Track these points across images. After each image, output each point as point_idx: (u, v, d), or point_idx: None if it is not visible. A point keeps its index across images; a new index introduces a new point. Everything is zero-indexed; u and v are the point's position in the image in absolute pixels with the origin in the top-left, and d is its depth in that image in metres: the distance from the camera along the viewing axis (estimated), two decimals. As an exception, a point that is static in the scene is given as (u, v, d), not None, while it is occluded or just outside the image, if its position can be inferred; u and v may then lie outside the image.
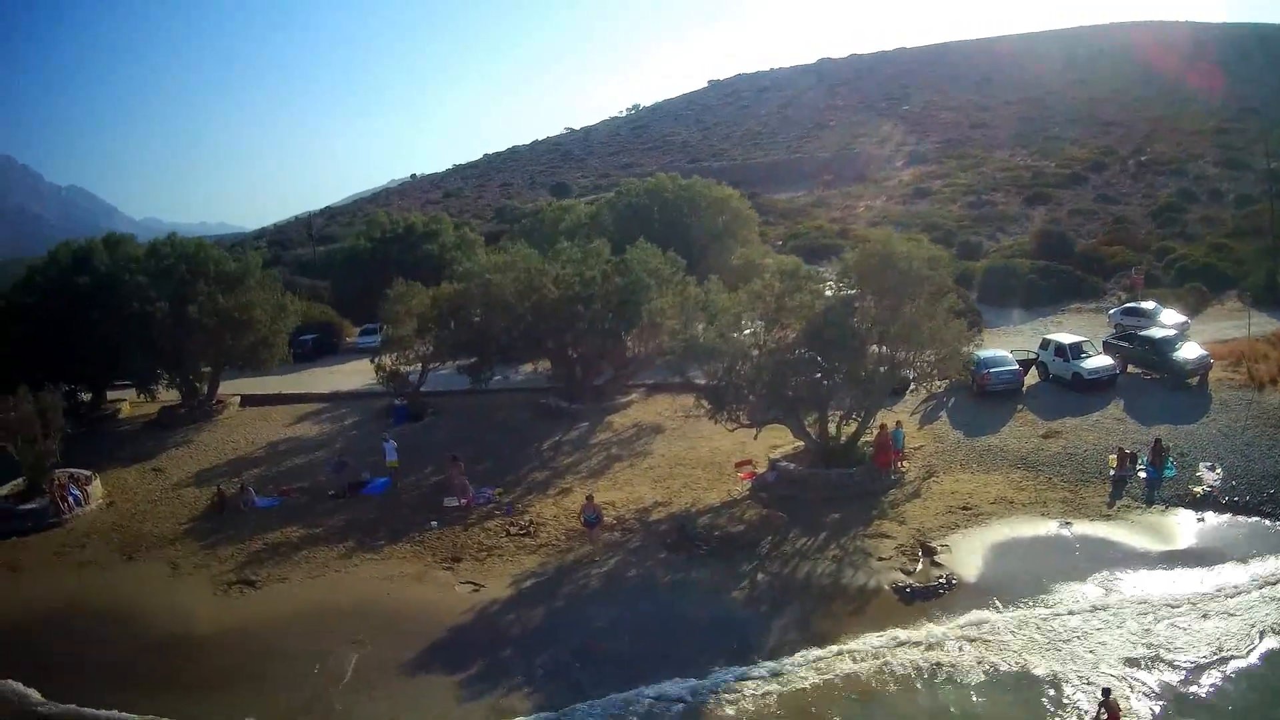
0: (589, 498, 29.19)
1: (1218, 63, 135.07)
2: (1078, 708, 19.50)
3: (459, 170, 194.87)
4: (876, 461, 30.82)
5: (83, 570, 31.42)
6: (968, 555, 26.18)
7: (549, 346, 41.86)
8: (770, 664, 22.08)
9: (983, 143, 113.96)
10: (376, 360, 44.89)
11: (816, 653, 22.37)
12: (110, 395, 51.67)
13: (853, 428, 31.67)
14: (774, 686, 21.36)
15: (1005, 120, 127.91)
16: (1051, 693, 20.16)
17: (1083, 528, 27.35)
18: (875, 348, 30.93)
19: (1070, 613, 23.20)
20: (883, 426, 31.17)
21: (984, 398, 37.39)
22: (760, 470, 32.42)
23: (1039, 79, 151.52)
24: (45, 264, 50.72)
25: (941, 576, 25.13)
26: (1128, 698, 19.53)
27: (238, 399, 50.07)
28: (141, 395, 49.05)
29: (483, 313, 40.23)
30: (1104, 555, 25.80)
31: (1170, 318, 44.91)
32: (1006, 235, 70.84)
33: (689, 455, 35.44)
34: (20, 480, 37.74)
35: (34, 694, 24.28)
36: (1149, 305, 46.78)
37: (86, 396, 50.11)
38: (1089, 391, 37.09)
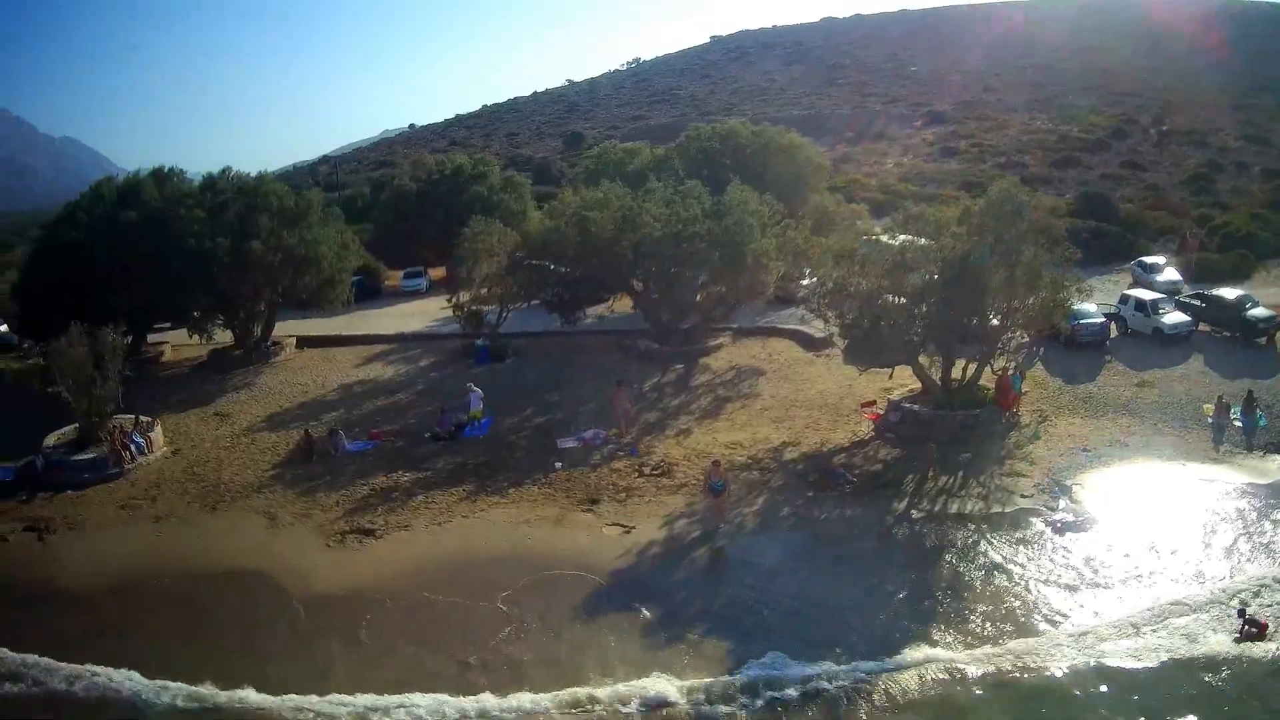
0: (715, 463, 27.24)
1: (1226, 38, 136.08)
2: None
3: (461, 120, 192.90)
4: (998, 403, 31.64)
5: (161, 525, 29.26)
6: (1102, 492, 27.13)
7: (637, 288, 41.97)
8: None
9: (998, 106, 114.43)
10: (453, 299, 44.58)
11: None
12: (149, 339, 49.04)
13: (968, 372, 32.43)
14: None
15: (1016, 86, 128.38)
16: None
17: (1195, 469, 28.44)
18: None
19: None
20: (1003, 370, 31.94)
21: (1072, 348, 38.32)
22: (882, 411, 33.04)
23: (1047, 45, 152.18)
24: (89, 199, 48.37)
25: (1085, 511, 26.05)
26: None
27: (294, 340, 48.83)
28: (194, 336, 46.59)
29: (578, 250, 39.88)
30: (1222, 490, 27.07)
31: (1169, 274, 47.88)
32: (1044, 195, 71.56)
33: (799, 397, 35.81)
34: (72, 428, 35.20)
35: (137, 680, 21.25)
36: (1159, 259, 49.92)
37: (127, 339, 47.34)
38: (1168, 346, 38.27)
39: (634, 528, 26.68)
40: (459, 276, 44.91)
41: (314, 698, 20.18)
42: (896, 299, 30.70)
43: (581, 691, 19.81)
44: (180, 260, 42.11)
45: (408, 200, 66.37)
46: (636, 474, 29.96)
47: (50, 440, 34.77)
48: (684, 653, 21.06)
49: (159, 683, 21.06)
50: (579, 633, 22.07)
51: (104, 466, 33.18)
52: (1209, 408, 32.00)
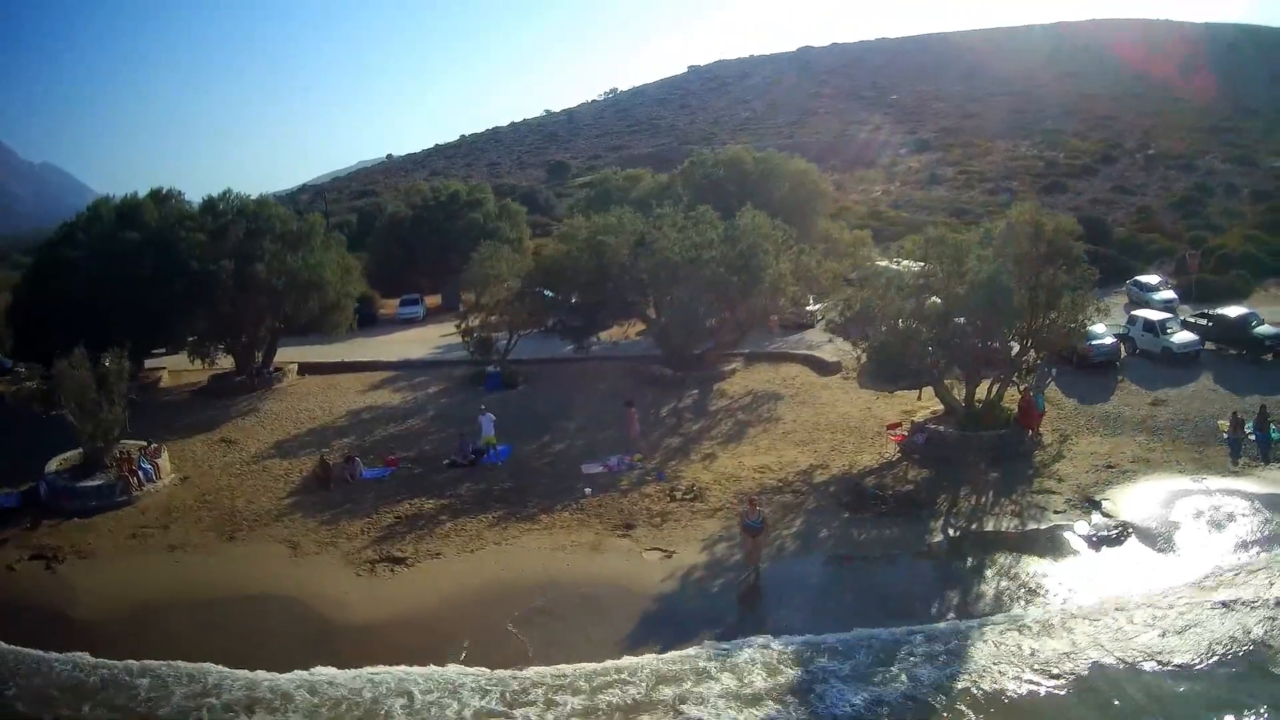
0: (751, 502, 25.86)
1: (1205, 61, 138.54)
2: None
3: (440, 150, 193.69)
4: (1020, 423, 31.78)
5: (177, 555, 28.42)
6: (1130, 507, 27.32)
7: (650, 313, 41.96)
8: (1003, 615, 22.40)
9: (978, 133, 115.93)
10: (462, 325, 44.24)
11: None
12: (146, 364, 48.06)
13: (993, 392, 32.57)
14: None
15: (997, 112, 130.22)
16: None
17: (1216, 482, 28.74)
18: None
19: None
20: (1025, 390, 32.12)
21: (1084, 368, 38.57)
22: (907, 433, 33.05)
23: (1026, 72, 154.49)
24: (86, 219, 47.61)
25: (1116, 526, 26.22)
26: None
27: (295, 367, 48.33)
28: (195, 360, 45.93)
29: (592, 275, 39.79)
30: (1242, 502, 27.35)
31: (1165, 293, 49.31)
32: (1062, 217, 72.26)
33: (821, 420, 35.76)
34: (75, 453, 34.32)
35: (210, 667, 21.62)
36: (1155, 279, 51.28)
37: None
38: (1177, 365, 38.71)
39: (674, 552, 26.37)
40: (467, 302, 44.75)
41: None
42: (921, 322, 30.82)
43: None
44: (182, 282, 41.52)
45: (402, 227, 66.54)
46: (669, 499, 29.63)
47: (53, 465, 33.94)
48: (755, 662, 21.09)
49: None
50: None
51: (111, 494, 32.40)
52: (1224, 424, 32.35)
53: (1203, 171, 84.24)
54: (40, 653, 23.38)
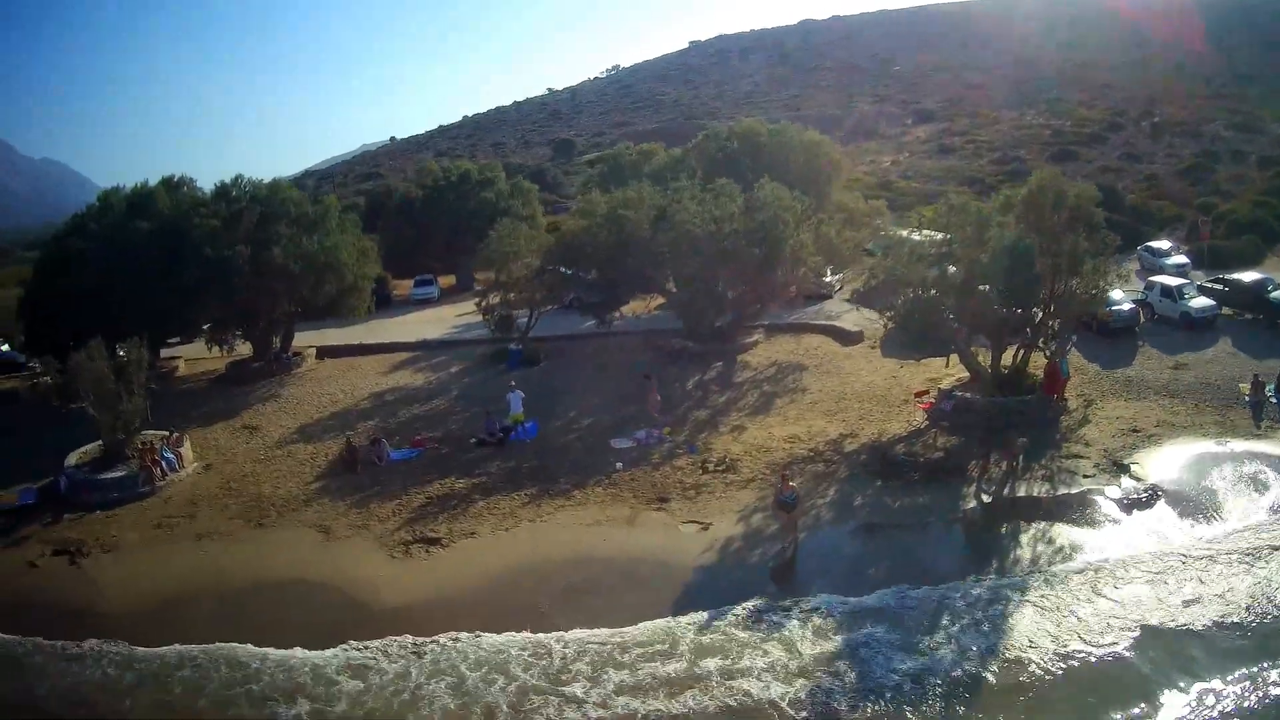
0: (784, 477, 25.99)
1: (1204, 30, 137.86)
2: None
3: (444, 131, 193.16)
4: (1045, 390, 32.13)
5: (205, 544, 28.23)
6: (1158, 469, 27.73)
7: (670, 287, 42.18)
8: (1041, 577, 22.82)
9: (982, 103, 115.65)
10: (482, 303, 44.08)
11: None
12: (161, 353, 47.47)
13: (1018, 358, 32.95)
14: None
15: (1000, 81, 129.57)
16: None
17: (1240, 444, 29.11)
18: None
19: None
20: (1052, 357, 32.44)
21: (1104, 334, 38.89)
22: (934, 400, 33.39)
23: (1024, 41, 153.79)
24: (98, 210, 47.40)
25: (1146, 489, 26.61)
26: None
27: (314, 351, 48.30)
28: (212, 348, 45.76)
29: (612, 250, 39.75)
30: (1267, 463, 27.70)
31: (1177, 257, 50.04)
32: (1082, 184, 72.43)
33: (847, 390, 36.02)
34: (94, 445, 34.01)
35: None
36: (1165, 244, 52.14)
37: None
38: (1195, 330, 39.07)
39: (711, 524, 26.46)
40: (486, 280, 44.71)
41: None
42: (945, 291, 31.12)
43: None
44: (196, 270, 41.14)
45: (414, 207, 66.08)
46: (701, 471, 29.73)
47: (72, 459, 33.51)
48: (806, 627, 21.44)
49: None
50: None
51: (134, 485, 32.05)
52: (1245, 387, 32.61)
53: (1208, 138, 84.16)
54: (76, 646, 23.31)
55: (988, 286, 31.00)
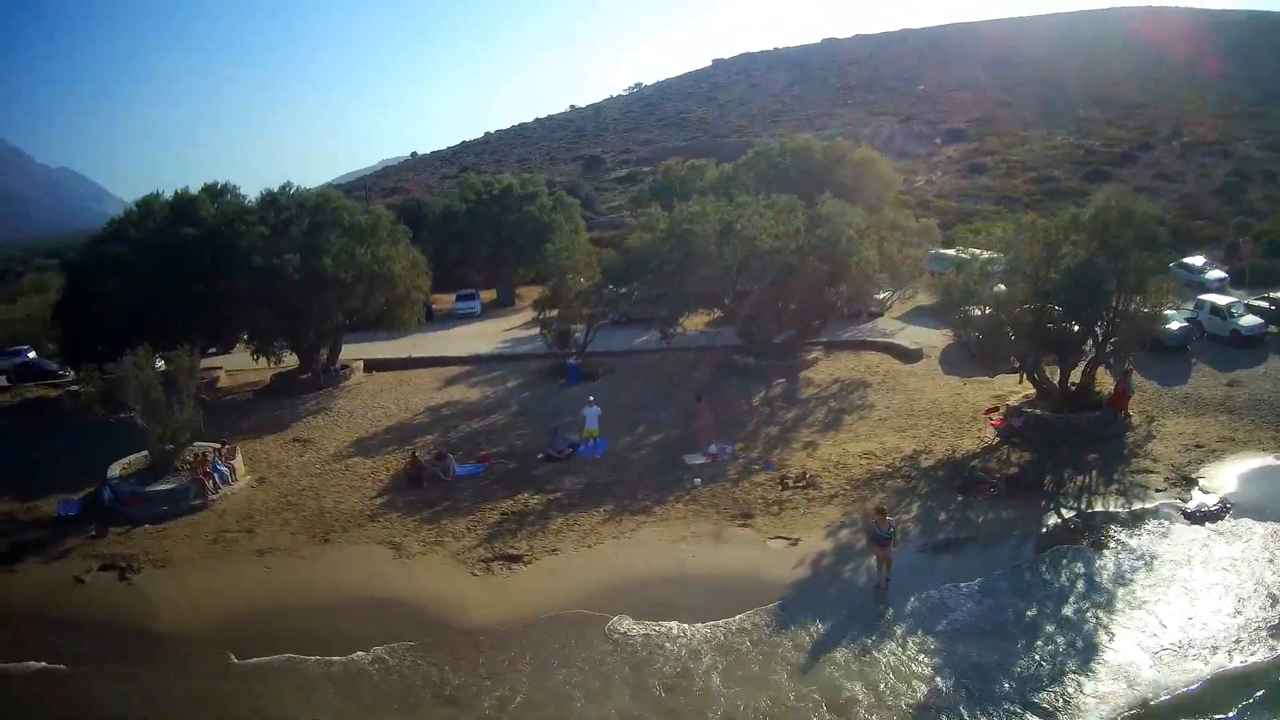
0: (879, 510, 24.81)
1: (1225, 49, 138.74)
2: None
3: (468, 147, 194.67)
4: (1113, 405, 32.96)
5: (268, 560, 27.51)
6: (1226, 483, 28.62)
7: (730, 302, 42.75)
8: (1127, 590, 23.48)
9: (1010, 122, 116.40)
10: (541, 317, 44.38)
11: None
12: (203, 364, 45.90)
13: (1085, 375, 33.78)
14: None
15: (1027, 101, 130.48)
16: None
17: (1304, 458, 30.02)
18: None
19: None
20: (1125, 372, 33.30)
21: (1157, 352, 39.54)
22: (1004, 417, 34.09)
23: (1049, 61, 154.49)
24: (138, 215, 46.10)
25: (1217, 502, 27.47)
26: None
27: (360, 363, 47.53)
28: (259, 359, 45.32)
29: (678, 265, 39.86)
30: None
31: (1214, 272, 51.06)
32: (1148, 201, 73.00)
33: (914, 407, 36.57)
34: (139, 455, 33.02)
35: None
36: (1200, 261, 52.50)
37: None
38: (1245, 347, 40.03)
39: (799, 539, 26.65)
40: (533, 295, 44.53)
41: None
42: (1016, 308, 31.97)
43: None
44: (244, 278, 40.61)
45: (457, 221, 65.56)
46: (781, 487, 29.91)
47: (115, 470, 32.54)
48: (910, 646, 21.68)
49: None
50: (787, 643, 22.05)
51: (185, 497, 31.03)
52: (1299, 404, 33.48)
53: (1239, 158, 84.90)
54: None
55: (1058, 306, 31.79)
